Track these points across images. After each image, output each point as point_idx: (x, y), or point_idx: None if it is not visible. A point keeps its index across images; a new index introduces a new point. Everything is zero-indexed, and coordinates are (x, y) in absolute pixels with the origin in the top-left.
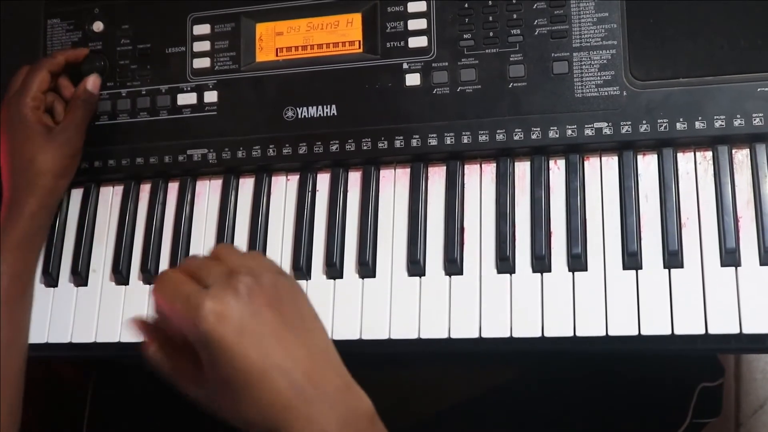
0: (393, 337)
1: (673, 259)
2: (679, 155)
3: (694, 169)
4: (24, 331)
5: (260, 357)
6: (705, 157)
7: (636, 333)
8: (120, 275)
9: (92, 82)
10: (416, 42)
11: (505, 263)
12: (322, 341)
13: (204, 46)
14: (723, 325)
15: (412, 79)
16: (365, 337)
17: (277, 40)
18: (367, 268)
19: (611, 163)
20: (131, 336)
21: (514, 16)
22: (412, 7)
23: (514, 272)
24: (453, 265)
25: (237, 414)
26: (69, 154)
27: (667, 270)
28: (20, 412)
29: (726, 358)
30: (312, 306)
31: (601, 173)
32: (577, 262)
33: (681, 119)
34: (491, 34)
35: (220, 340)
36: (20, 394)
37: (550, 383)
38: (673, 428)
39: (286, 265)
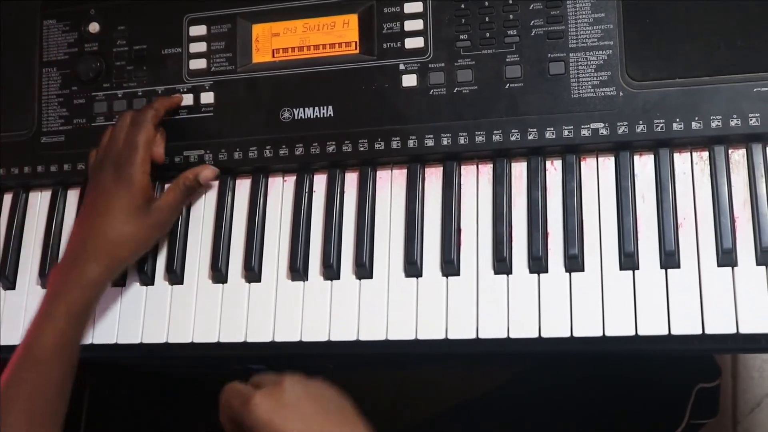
0: (390, 338)
1: (669, 259)
2: (676, 155)
3: (691, 169)
4: (66, 396)
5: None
6: (701, 158)
7: (633, 333)
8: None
9: (206, 174)
10: (413, 43)
11: (502, 264)
12: None
13: (200, 47)
14: (720, 325)
15: (409, 80)
16: (362, 338)
17: (273, 41)
18: (364, 270)
19: (608, 163)
20: (128, 338)
21: (511, 16)
22: (408, 8)
23: (511, 273)
24: (450, 266)
25: None
26: (156, 235)
27: (663, 270)
28: None
29: (723, 357)
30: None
31: (598, 174)
32: (574, 262)
33: (677, 119)
34: (488, 34)
35: (268, 421)
36: None
37: (547, 385)
38: (671, 429)
39: (283, 267)
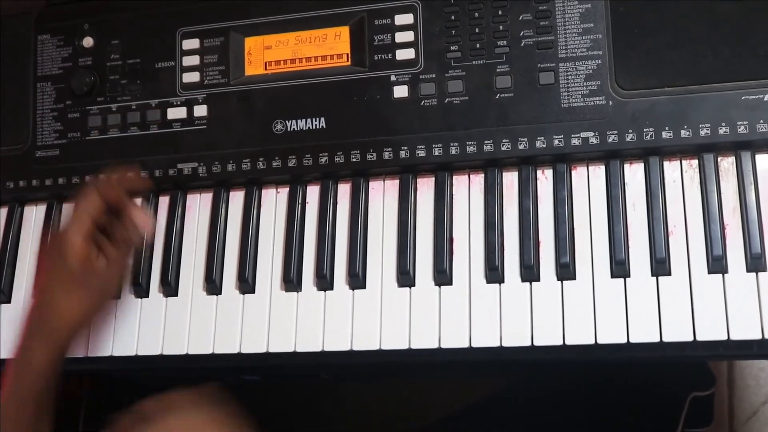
0: (384, 347)
1: (660, 266)
2: (666, 164)
3: (681, 177)
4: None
5: None
6: (691, 165)
7: (625, 341)
8: None
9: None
10: (404, 54)
11: (494, 273)
12: None
13: (193, 60)
14: (711, 331)
15: (400, 91)
16: (356, 348)
17: (265, 54)
18: (357, 280)
19: (598, 172)
20: (124, 350)
21: (500, 27)
22: (399, 20)
23: (503, 282)
24: (442, 276)
25: None
26: (101, 302)
27: (654, 278)
28: None
29: (718, 365)
30: None
31: (589, 182)
32: (565, 271)
33: (667, 128)
34: (478, 45)
35: None
36: None
37: (540, 394)
38: None
39: (277, 278)
